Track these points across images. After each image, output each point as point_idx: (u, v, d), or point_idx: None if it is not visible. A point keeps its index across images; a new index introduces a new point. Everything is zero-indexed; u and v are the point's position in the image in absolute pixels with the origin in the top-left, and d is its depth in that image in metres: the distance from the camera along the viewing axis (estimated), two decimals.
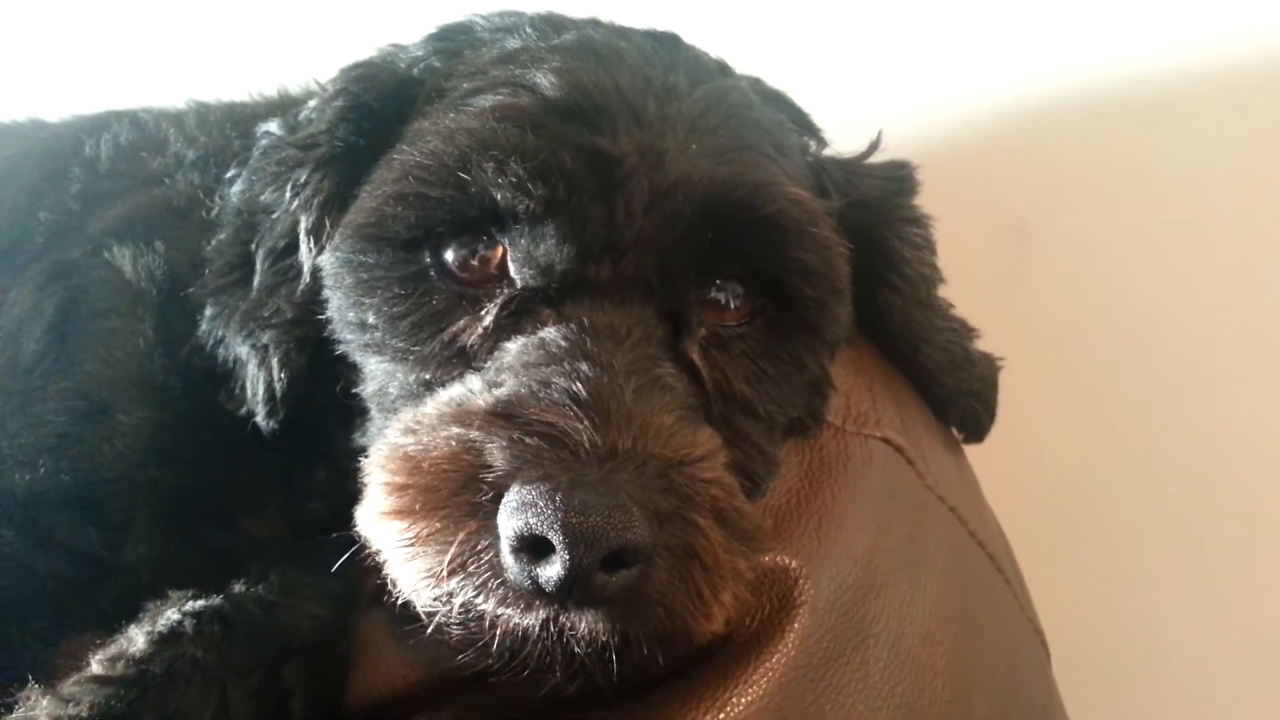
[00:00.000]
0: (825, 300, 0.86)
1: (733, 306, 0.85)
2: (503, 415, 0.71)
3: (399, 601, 0.76)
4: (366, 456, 0.82)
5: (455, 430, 0.72)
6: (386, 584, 0.83)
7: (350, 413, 0.93)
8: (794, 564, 0.80)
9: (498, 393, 0.74)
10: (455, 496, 0.69)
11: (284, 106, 1.11)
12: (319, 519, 0.97)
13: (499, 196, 0.78)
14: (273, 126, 0.99)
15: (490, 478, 0.69)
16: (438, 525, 0.69)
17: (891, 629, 0.82)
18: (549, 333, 0.78)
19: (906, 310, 1.03)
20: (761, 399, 0.85)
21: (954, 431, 1.12)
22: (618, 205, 0.79)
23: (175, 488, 1.01)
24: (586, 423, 0.69)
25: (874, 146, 1.04)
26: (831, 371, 0.94)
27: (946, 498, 0.97)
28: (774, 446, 0.86)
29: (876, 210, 0.99)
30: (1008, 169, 1.58)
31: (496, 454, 0.69)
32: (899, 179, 1.02)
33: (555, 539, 0.65)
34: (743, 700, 0.75)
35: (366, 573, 0.89)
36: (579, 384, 0.72)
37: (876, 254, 0.99)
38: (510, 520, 0.66)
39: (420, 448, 0.73)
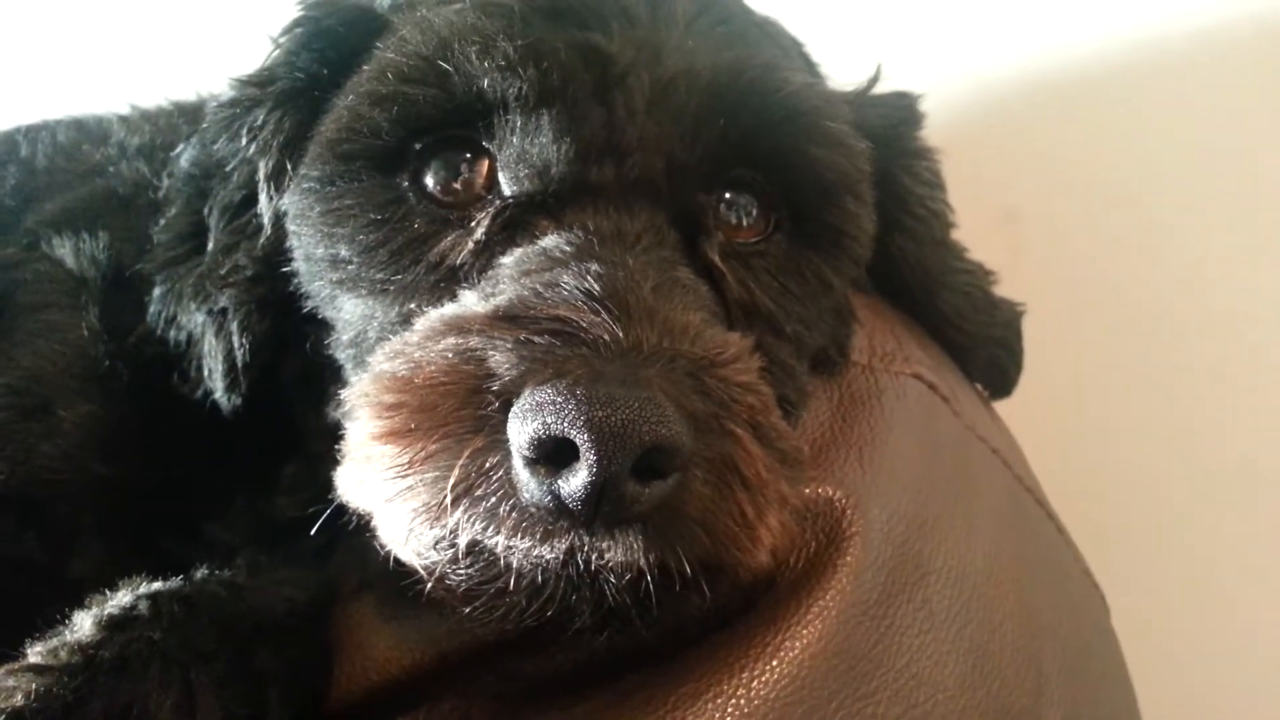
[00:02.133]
0: (845, 203, 0.78)
1: (745, 223, 0.77)
2: (505, 318, 0.62)
3: (389, 567, 0.65)
4: (343, 432, 0.72)
5: (451, 340, 0.62)
6: (369, 573, 0.74)
7: (322, 385, 0.83)
8: (839, 494, 0.71)
9: (497, 299, 0.65)
10: (456, 411, 0.59)
11: None
12: (288, 517, 0.87)
13: (486, 83, 0.70)
14: (227, 84, 0.91)
15: (496, 386, 0.59)
16: (436, 445, 0.59)
17: (952, 565, 0.73)
18: (549, 240, 0.69)
19: (921, 252, 0.95)
20: (787, 316, 0.76)
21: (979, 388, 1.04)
22: (617, 103, 0.72)
23: (126, 488, 0.91)
24: (604, 315, 0.60)
25: (875, 79, 0.98)
26: None
27: (988, 439, 0.88)
28: (803, 371, 0.77)
29: (882, 143, 0.91)
30: (996, 154, 1.55)
31: (501, 359, 0.60)
32: (903, 108, 0.96)
33: (579, 437, 0.55)
34: (797, 645, 0.65)
35: (347, 565, 0.80)
36: (590, 279, 0.63)
37: (885, 192, 0.91)
38: (524, 426, 0.56)
39: (412, 364, 0.63)
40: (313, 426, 0.85)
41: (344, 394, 0.69)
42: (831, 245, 0.79)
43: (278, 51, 0.84)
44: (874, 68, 1.39)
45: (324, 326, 0.81)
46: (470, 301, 0.67)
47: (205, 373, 0.86)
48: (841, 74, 1.41)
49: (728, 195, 0.77)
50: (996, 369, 1.02)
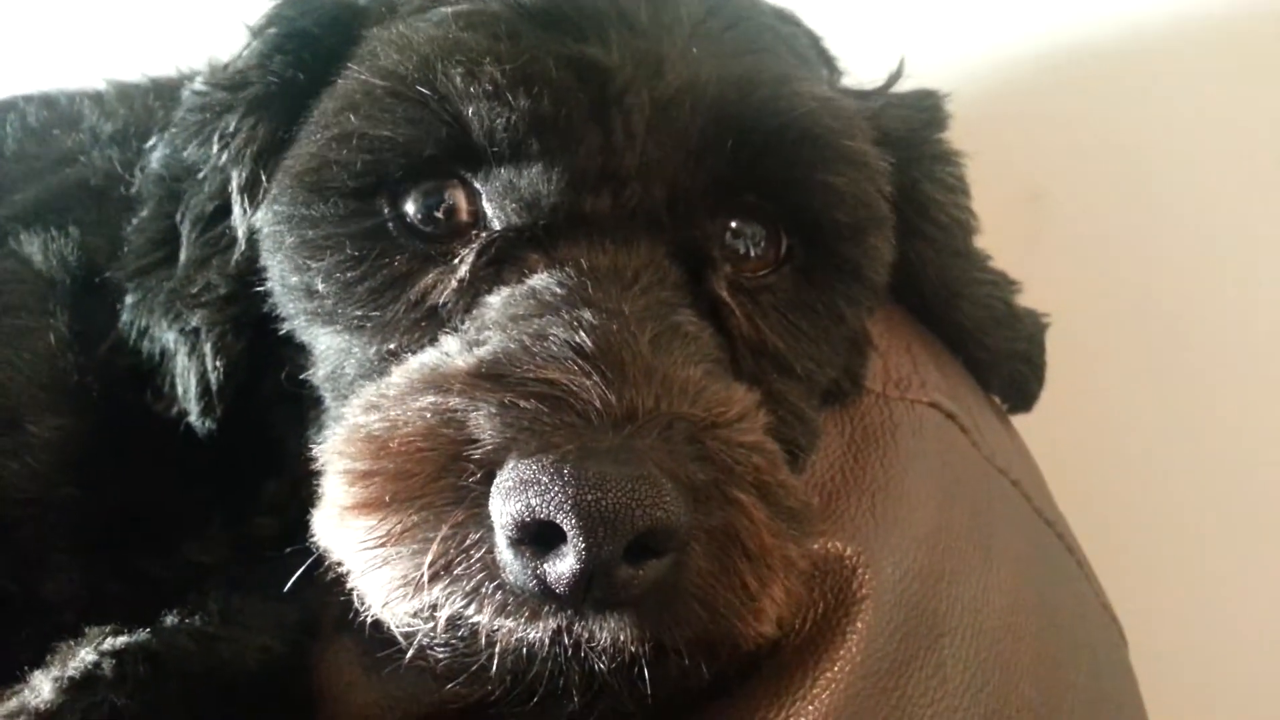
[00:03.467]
0: (864, 231, 0.72)
1: (753, 254, 0.71)
2: (489, 376, 0.57)
3: (370, 622, 0.61)
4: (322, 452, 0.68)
5: (430, 399, 0.57)
6: (353, 605, 0.70)
7: (301, 407, 0.78)
8: (850, 550, 0.66)
9: (481, 351, 0.59)
10: (434, 481, 0.55)
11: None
12: (269, 536, 0.83)
13: (470, 111, 0.64)
14: (198, 82, 0.85)
15: (478, 454, 0.54)
16: (414, 519, 0.54)
17: (968, 623, 0.68)
18: (539, 280, 0.63)
19: (941, 262, 0.89)
20: (798, 355, 0.70)
21: (998, 402, 0.99)
22: (614, 124, 0.65)
23: (99, 508, 0.86)
24: (596, 378, 0.55)
25: (897, 75, 0.91)
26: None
27: (1008, 470, 0.83)
28: (814, 411, 0.72)
29: (903, 147, 0.85)
30: (1020, 132, 1.49)
31: (484, 423, 0.55)
32: (927, 109, 0.89)
33: (566, 522, 0.50)
34: None
35: (328, 593, 0.75)
36: (582, 333, 0.58)
37: (905, 198, 0.85)
38: (507, 503, 0.51)
39: (387, 424, 0.58)
40: (293, 446, 0.80)
41: (316, 447, 0.64)
42: (847, 276, 0.73)
43: (249, 53, 0.78)
44: (897, 57, 1.31)
45: (302, 351, 0.75)
46: (452, 350, 0.61)
47: (179, 391, 0.81)
48: (864, 52, 1.35)
49: (734, 224, 0.71)
50: (1017, 384, 0.96)
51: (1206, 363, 1.38)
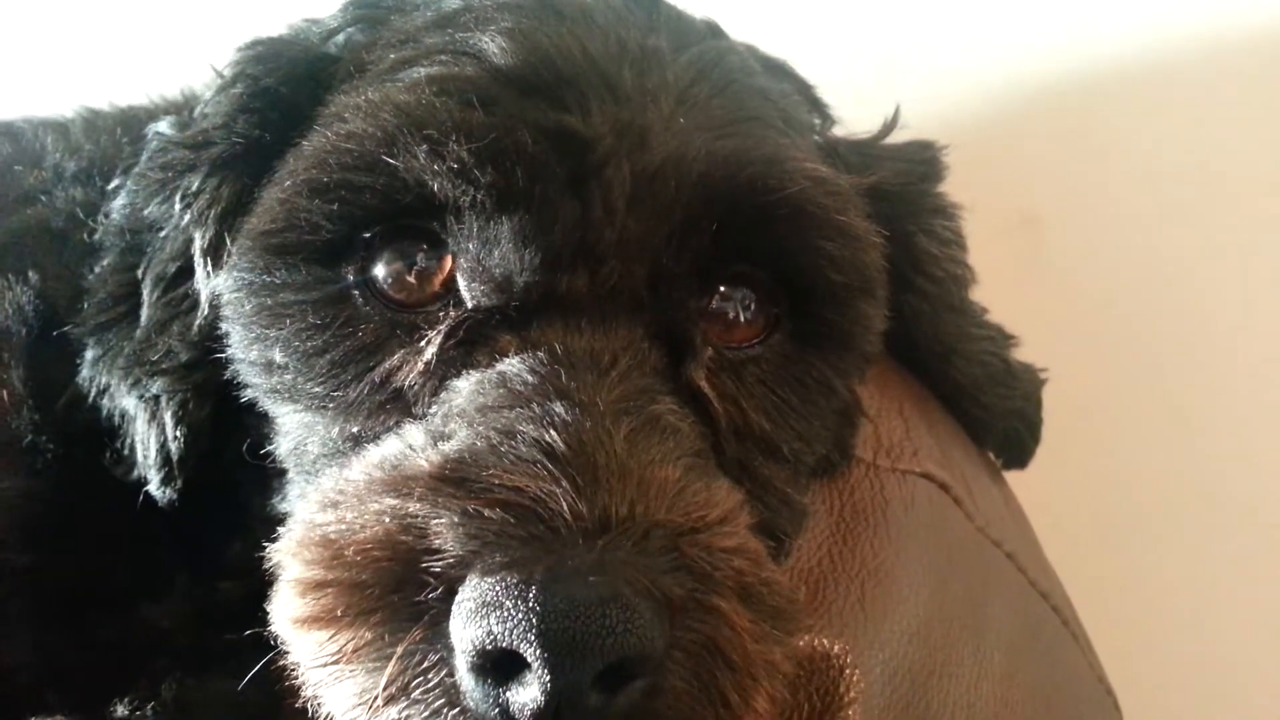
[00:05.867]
0: (856, 304, 0.69)
1: (743, 320, 0.68)
2: (452, 479, 0.53)
3: None
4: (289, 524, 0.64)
5: (389, 502, 0.54)
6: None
7: (267, 472, 0.74)
8: (837, 649, 0.63)
9: (445, 448, 0.56)
10: (391, 594, 0.51)
11: (190, 109, 0.93)
12: (232, 601, 0.79)
13: (435, 187, 0.60)
14: (163, 125, 0.81)
15: (438, 566, 0.51)
16: (368, 636, 0.51)
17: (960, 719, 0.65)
18: (510, 365, 0.60)
19: (936, 317, 0.86)
20: (785, 435, 0.67)
21: (991, 457, 0.96)
22: (593, 198, 0.62)
23: (55, 573, 0.83)
24: (566, 484, 0.52)
25: (891, 125, 0.87)
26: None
27: (1002, 541, 0.80)
28: (801, 494, 0.69)
29: (898, 200, 0.82)
30: (1013, 156, 1.47)
31: (446, 533, 0.51)
32: (923, 162, 0.85)
33: (530, 653, 0.47)
34: None
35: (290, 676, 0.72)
36: (553, 432, 0.54)
37: (899, 252, 0.82)
38: (467, 628, 0.48)
39: (343, 528, 0.54)
40: (259, 508, 0.77)
41: (272, 547, 0.60)
42: (837, 346, 0.70)
43: (213, 111, 0.74)
44: (890, 80, 1.28)
45: (266, 420, 0.72)
46: (416, 442, 0.58)
47: (138, 457, 0.78)
48: (857, 76, 1.31)
49: (722, 289, 0.68)
50: (1013, 442, 0.93)
51: (1207, 390, 1.37)
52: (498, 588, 0.48)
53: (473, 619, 0.48)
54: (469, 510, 0.51)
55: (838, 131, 0.86)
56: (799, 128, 0.74)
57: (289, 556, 0.56)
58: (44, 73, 1.56)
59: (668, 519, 0.53)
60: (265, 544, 0.71)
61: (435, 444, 0.56)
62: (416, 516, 0.52)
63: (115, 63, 1.54)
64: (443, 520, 0.51)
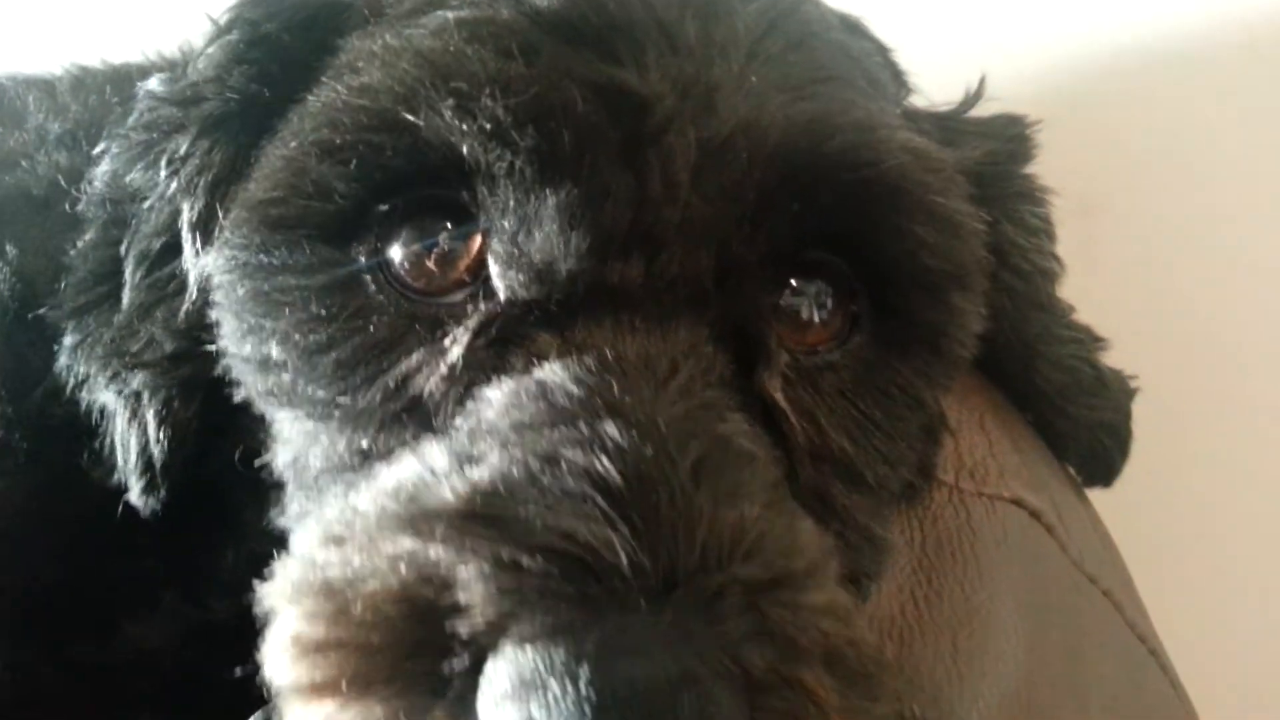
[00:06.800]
0: (952, 300, 0.59)
1: (817, 319, 0.57)
2: (483, 518, 0.43)
3: None
4: (288, 542, 0.58)
5: (406, 544, 0.44)
6: None
7: (262, 482, 0.65)
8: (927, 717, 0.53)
9: (474, 476, 0.46)
10: (406, 661, 0.42)
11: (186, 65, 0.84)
12: (223, 620, 0.71)
13: (465, 149, 0.51)
14: (153, 83, 0.71)
15: (465, 629, 0.41)
16: (378, 712, 0.41)
17: None
18: (551, 372, 0.50)
19: (1019, 316, 0.76)
20: (868, 458, 0.57)
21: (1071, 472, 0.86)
22: (651, 170, 0.52)
23: (28, 587, 0.75)
24: (624, 529, 0.42)
25: (975, 96, 0.77)
26: None
27: (1098, 577, 0.70)
28: (884, 528, 0.59)
29: (984, 182, 0.72)
30: (1070, 142, 1.37)
31: (475, 587, 0.41)
32: (1013, 139, 0.75)
33: None
34: None
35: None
36: (606, 459, 0.44)
37: None
38: (501, 712, 0.38)
39: (350, 574, 0.44)
40: (253, 516, 0.68)
41: (264, 586, 0.50)
42: (928, 350, 0.60)
43: (205, 61, 0.64)
44: (942, 62, 1.17)
45: (261, 423, 0.62)
46: (438, 466, 0.48)
47: (120, 459, 0.69)
48: (909, 57, 1.21)
49: (793, 281, 0.58)
50: (1099, 458, 0.83)
51: (1271, 385, 1.27)
52: (540, 663, 0.38)
53: (508, 703, 0.38)
54: (504, 558, 0.41)
55: (914, 100, 0.76)
56: (884, 93, 0.64)
57: (285, 602, 0.47)
58: (37, 25, 1.48)
59: (746, 574, 0.43)
60: (261, 556, 0.63)
61: (461, 469, 0.47)
62: (439, 564, 0.42)
63: (113, 15, 1.46)
64: (471, 570, 0.42)
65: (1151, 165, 1.29)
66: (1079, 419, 0.80)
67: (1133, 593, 0.77)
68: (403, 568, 0.43)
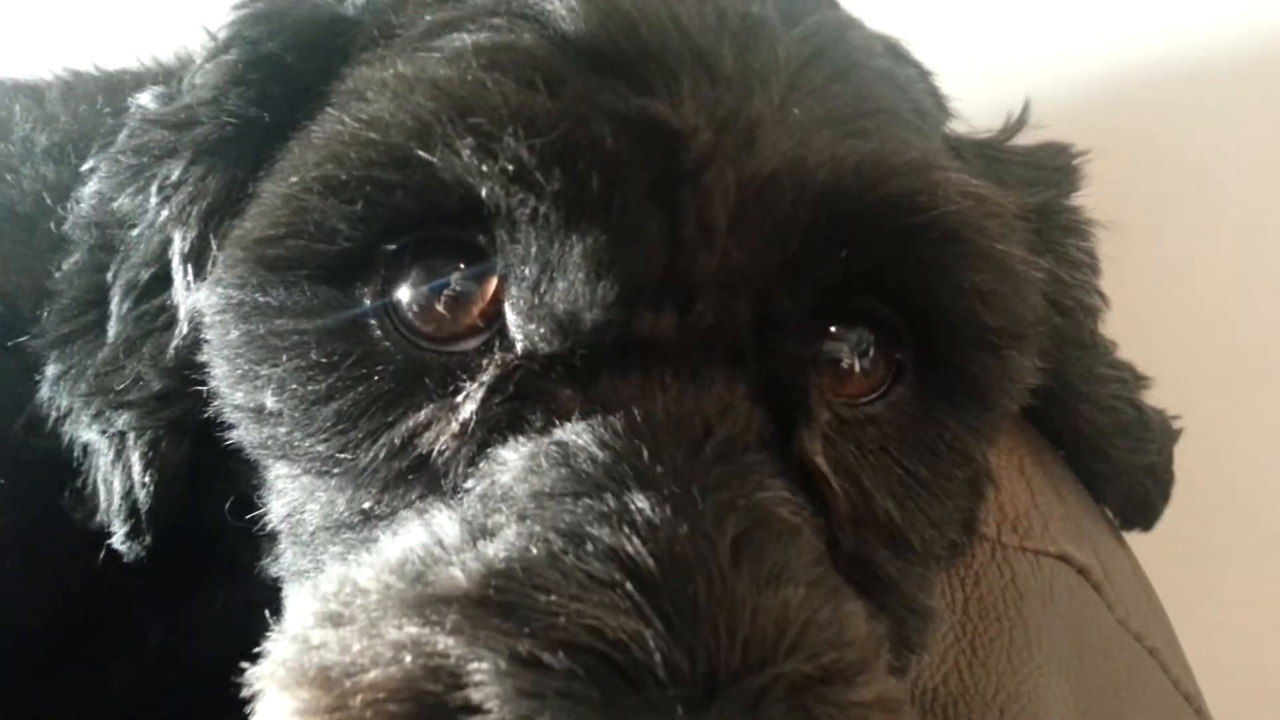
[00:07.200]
0: (1007, 352, 0.54)
1: (858, 368, 0.53)
2: (499, 605, 0.39)
3: None
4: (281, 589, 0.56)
5: (411, 630, 0.39)
6: None
7: (255, 532, 0.61)
8: None
9: (489, 553, 0.41)
10: None
11: (180, 78, 0.79)
12: (213, 667, 0.67)
13: (484, 192, 0.46)
14: (145, 97, 0.67)
15: None
16: None
17: None
18: (573, 433, 0.45)
19: (1061, 355, 0.72)
20: (915, 522, 0.52)
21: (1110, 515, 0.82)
22: (686, 211, 0.47)
23: (9, 627, 0.70)
24: (659, 623, 0.37)
25: (1019, 123, 0.73)
26: None
27: (1144, 635, 0.66)
28: (930, 596, 0.54)
29: (1029, 215, 0.68)
30: (1096, 155, 1.34)
31: (488, 685, 0.37)
32: (1059, 170, 0.71)
33: None
34: None
35: None
36: (636, 539, 0.40)
37: None
38: None
39: (348, 661, 0.40)
40: (247, 559, 0.64)
41: (252, 671, 0.46)
42: (976, 403, 0.55)
43: (201, 81, 0.60)
44: (969, 75, 1.13)
45: (255, 470, 0.58)
46: (449, 538, 0.43)
47: (103, 501, 0.64)
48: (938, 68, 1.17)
49: (832, 328, 0.53)
50: (1139, 501, 0.79)
51: None
52: None
53: None
54: (521, 653, 0.37)
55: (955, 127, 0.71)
56: (931, 123, 0.59)
57: (277, 688, 0.42)
58: (33, 25, 1.44)
59: (791, 670, 0.39)
60: (252, 600, 0.59)
61: (474, 543, 0.42)
62: (448, 656, 0.38)
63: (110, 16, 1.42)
64: (485, 665, 0.37)
65: (1182, 178, 1.26)
66: (1120, 462, 0.76)
67: (1175, 647, 0.73)
68: (408, 658, 0.39)
